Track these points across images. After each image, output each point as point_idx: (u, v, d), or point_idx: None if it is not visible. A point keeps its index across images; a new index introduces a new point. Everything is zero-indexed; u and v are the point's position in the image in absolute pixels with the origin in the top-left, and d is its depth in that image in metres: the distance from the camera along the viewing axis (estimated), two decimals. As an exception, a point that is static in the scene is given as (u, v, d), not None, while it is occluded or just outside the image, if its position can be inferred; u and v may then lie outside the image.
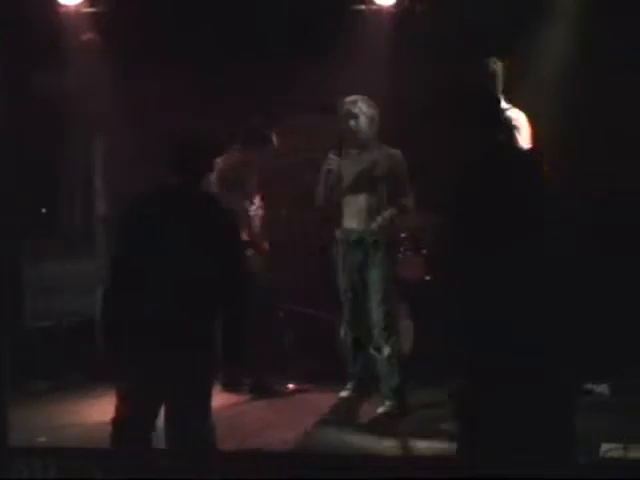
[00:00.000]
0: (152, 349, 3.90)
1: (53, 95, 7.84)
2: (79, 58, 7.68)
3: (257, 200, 6.94)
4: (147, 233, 4.00)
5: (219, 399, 6.38)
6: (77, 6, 7.69)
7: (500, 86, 5.68)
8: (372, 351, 6.05)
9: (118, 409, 4.01)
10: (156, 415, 4.04)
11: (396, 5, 7.59)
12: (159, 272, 3.93)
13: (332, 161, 6.04)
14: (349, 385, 6.29)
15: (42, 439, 5.45)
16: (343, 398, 6.25)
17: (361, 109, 6.08)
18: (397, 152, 6.15)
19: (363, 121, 6.07)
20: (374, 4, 7.61)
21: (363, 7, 7.65)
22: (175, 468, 3.99)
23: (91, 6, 7.74)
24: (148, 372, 3.92)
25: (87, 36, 7.75)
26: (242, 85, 7.81)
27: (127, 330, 3.94)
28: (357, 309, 6.12)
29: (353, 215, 6.10)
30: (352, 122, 6.07)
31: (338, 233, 6.19)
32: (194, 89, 7.75)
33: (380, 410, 5.96)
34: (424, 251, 7.33)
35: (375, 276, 6.00)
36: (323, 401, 6.36)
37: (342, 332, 6.33)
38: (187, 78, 7.80)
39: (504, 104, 5.64)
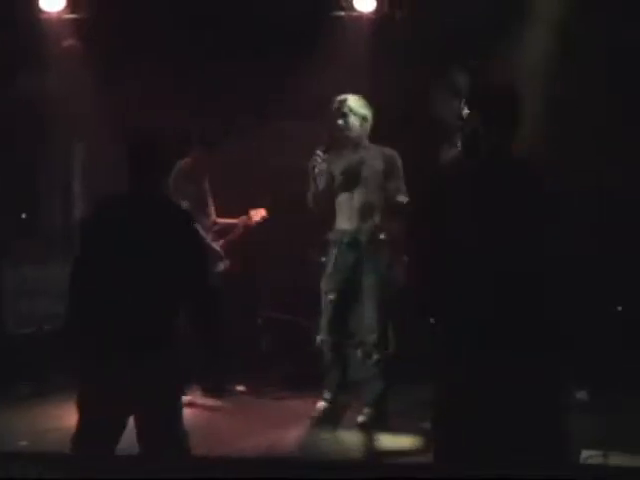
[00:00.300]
0: (114, 356, 3.77)
1: (34, 99, 7.83)
2: (60, 63, 7.69)
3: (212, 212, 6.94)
4: (104, 239, 3.90)
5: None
6: (59, 12, 7.70)
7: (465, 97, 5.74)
8: (360, 355, 5.91)
9: (80, 422, 3.86)
10: (122, 427, 3.87)
11: (376, 11, 7.64)
12: (117, 278, 3.83)
13: (318, 158, 5.94)
14: (326, 395, 6.05)
15: (24, 443, 5.46)
16: (319, 410, 6.03)
17: (351, 107, 5.99)
18: (391, 151, 6.04)
19: (353, 120, 5.99)
20: (354, 10, 7.66)
21: (343, 13, 7.70)
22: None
23: (72, 12, 7.75)
24: (111, 381, 3.77)
25: (69, 42, 7.75)
26: (222, 90, 7.84)
27: (88, 338, 3.85)
28: (342, 312, 5.96)
29: (346, 216, 5.97)
30: (341, 120, 5.99)
31: (331, 234, 6.06)
32: (174, 93, 7.77)
33: (359, 419, 5.86)
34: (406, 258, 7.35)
35: (370, 280, 5.88)
36: (300, 407, 6.33)
37: (318, 338, 6.07)
38: (167, 83, 7.82)
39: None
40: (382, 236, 5.93)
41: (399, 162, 6.01)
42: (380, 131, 7.81)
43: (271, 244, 7.79)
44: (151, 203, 3.97)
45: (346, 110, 5.98)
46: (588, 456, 4.80)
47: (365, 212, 5.93)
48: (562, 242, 3.09)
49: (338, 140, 6.06)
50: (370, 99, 7.51)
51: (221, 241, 6.94)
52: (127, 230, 3.87)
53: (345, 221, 5.99)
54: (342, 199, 6.00)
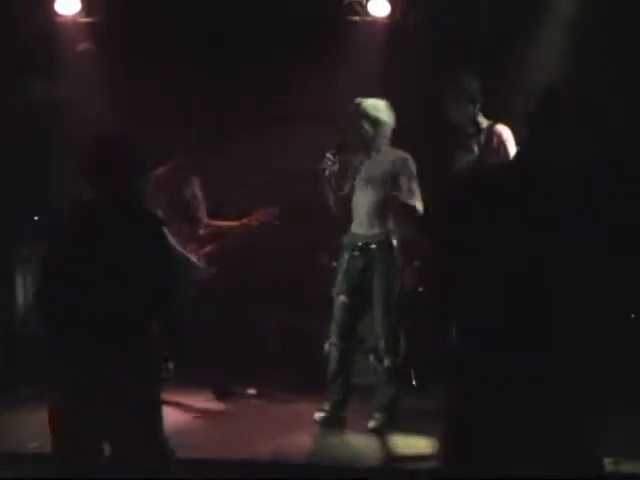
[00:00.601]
0: (82, 364, 3.68)
1: (49, 101, 7.86)
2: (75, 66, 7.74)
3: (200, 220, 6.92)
4: (70, 244, 3.81)
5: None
6: (74, 16, 7.74)
7: (479, 103, 5.76)
8: (372, 359, 5.90)
9: (55, 436, 3.74)
10: (99, 440, 3.74)
11: (390, 16, 7.65)
12: (84, 284, 3.72)
13: (328, 161, 5.92)
14: (325, 406, 5.94)
15: (35, 445, 5.46)
16: (318, 420, 5.92)
17: (366, 111, 5.92)
18: (404, 154, 5.97)
19: (367, 123, 5.92)
20: (368, 15, 7.67)
21: (357, 18, 7.71)
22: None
23: (88, 16, 7.79)
24: (82, 391, 3.68)
25: (84, 45, 7.80)
26: (238, 94, 7.87)
27: (60, 348, 3.76)
28: (352, 317, 5.93)
29: (358, 220, 5.95)
30: (355, 124, 5.94)
31: (345, 238, 6.04)
32: (188, 96, 7.81)
33: (370, 424, 5.82)
34: (416, 262, 7.34)
35: (380, 285, 5.83)
36: (309, 411, 6.23)
37: (327, 343, 6.01)
38: (182, 85, 7.86)
39: (482, 120, 5.76)
40: (394, 241, 5.89)
41: (412, 165, 5.93)
42: (393, 135, 7.87)
43: (283, 247, 7.79)
44: (118, 207, 3.85)
45: (361, 113, 5.93)
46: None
47: (377, 216, 5.89)
48: (589, 245, 3.04)
49: (353, 143, 6.02)
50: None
51: (208, 247, 6.92)
52: (93, 234, 3.78)
53: (357, 225, 5.97)
54: (356, 203, 5.98)
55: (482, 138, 5.71)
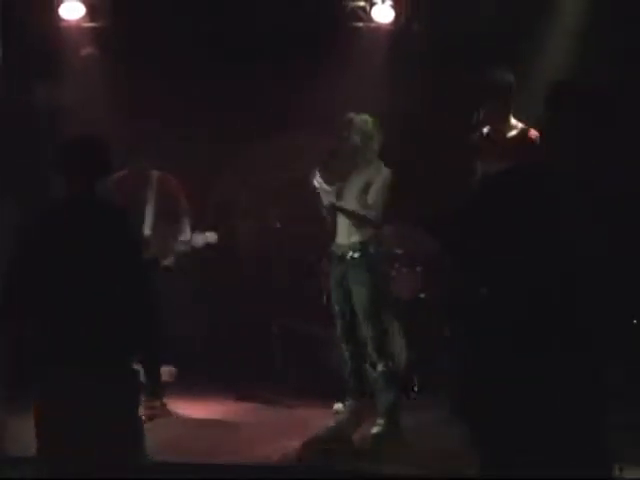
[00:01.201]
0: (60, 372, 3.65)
1: (53, 106, 7.87)
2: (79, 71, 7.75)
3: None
4: (38, 245, 3.77)
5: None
6: (78, 20, 7.75)
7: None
8: (368, 367, 5.99)
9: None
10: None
11: (393, 23, 7.66)
12: (54, 286, 3.68)
13: (316, 176, 6.07)
14: (336, 406, 6.21)
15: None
16: (336, 414, 6.16)
17: (355, 126, 6.05)
18: (387, 170, 6.09)
19: (356, 138, 6.04)
20: (372, 21, 7.68)
21: (361, 24, 7.73)
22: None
23: (92, 21, 7.81)
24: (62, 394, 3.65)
25: (87, 50, 7.81)
26: (240, 99, 7.88)
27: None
28: (346, 324, 6.08)
29: (340, 230, 6.11)
30: (344, 138, 6.05)
31: (332, 247, 6.19)
32: (193, 100, 7.83)
33: (373, 430, 5.87)
34: (419, 268, 7.35)
35: (358, 293, 5.95)
36: (313, 416, 6.33)
37: (343, 347, 6.18)
38: (186, 89, 7.88)
39: (514, 121, 5.68)
40: (372, 250, 6.01)
41: (389, 180, 6.06)
42: (396, 141, 7.87)
43: (287, 254, 7.81)
44: (84, 206, 3.86)
45: (350, 128, 6.06)
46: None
47: (356, 226, 6.04)
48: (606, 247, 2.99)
49: (341, 157, 6.15)
50: (387, 109, 7.55)
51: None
52: (61, 233, 3.77)
53: (339, 235, 6.13)
54: (339, 214, 6.13)
55: (514, 143, 5.56)
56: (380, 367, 5.91)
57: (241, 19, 7.63)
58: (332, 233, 6.17)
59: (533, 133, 5.49)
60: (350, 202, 6.04)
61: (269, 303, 7.21)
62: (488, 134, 5.65)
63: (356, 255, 5.98)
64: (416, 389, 7.11)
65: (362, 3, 7.68)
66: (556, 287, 2.87)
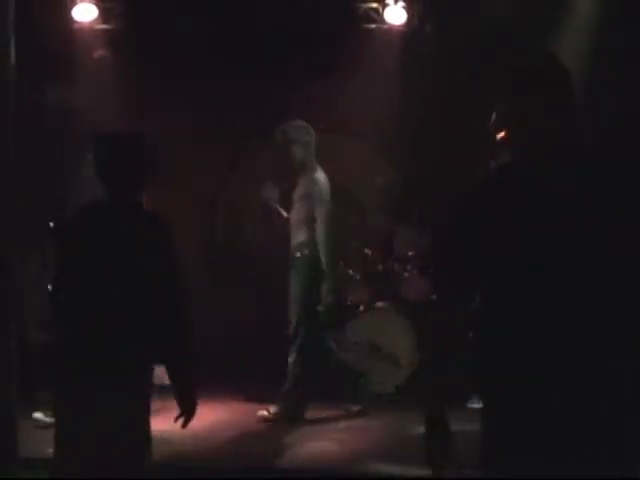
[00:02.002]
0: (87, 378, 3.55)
1: (65, 107, 7.88)
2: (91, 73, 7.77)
3: None
4: (80, 254, 3.64)
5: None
6: (91, 22, 7.78)
7: None
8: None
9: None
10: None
11: (406, 24, 7.66)
12: (91, 295, 3.57)
13: (266, 188, 6.42)
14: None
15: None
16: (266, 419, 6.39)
17: (292, 137, 6.29)
18: (324, 176, 6.35)
19: (295, 148, 6.30)
20: (385, 23, 7.69)
21: (374, 26, 7.73)
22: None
23: (104, 23, 7.83)
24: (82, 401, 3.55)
25: (100, 52, 7.83)
26: (253, 100, 7.89)
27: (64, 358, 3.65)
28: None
29: (292, 233, 6.42)
30: (284, 150, 6.31)
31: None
32: (205, 101, 7.84)
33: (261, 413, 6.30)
34: (431, 270, 7.33)
35: (294, 293, 6.34)
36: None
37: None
38: (198, 91, 7.89)
39: None
40: (299, 255, 6.31)
41: (324, 187, 6.32)
42: (407, 142, 7.88)
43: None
44: (122, 213, 3.69)
45: (288, 140, 6.29)
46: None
47: (296, 231, 6.37)
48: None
49: (284, 168, 6.41)
50: (399, 110, 7.57)
51: None
52: (99, 243, 3.61)
53: (291, 238, 6.44)
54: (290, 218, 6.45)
55: None
56: (291, 359, 6.30)
57: (254, 21, 7.63)
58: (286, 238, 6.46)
59: None
60: (299, 210, 6.32)
61: (280, 304, 7.17)
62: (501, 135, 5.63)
63: (297, 258, 6.34)
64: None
65: (375, 5, 7.69)
66: (568, 287, 2.83)
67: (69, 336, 3.63)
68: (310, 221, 6.27)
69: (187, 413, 3.65)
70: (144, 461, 3.62)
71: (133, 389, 3.58)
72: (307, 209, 6.28)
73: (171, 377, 3.65)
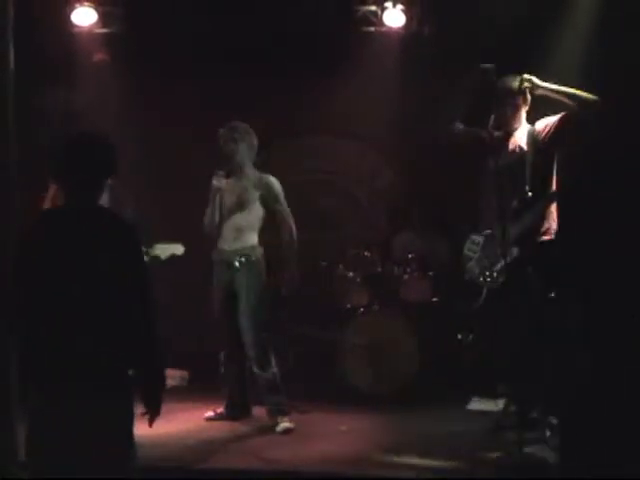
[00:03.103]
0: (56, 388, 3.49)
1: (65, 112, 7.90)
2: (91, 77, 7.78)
3: None
4: (41, 261, 3.54)
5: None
6: (90, 26, 7.79)
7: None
8: (254, 369, 6.20)
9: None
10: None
11: (405, 27, 7.67)
12: (55, 301, 3.50)
13: (220, 177, 6.22)
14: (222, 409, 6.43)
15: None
16: (210, 418, 6.40)
17: (241, 135, 6.26)
18: (269, 178, 6.30)
19: (242, 146, 6.26)
20: (383, 25, 7.69)
21: (372, 29, 7.74)
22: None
23: (104, 27, 7.84)
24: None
25: (99, 56, 7.84)
26: (253, 103, 7.90)
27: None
28: (229, 328, 6.26)
29: (224, 237, 6.26)
30: (231, 147, 6.25)
31: (213, 254, 6.35)
32: (205, 103, 7.85)
33: (278, 429, 6.07)
34: (431, 272, 7.35)
35: (242, 299, 6.16)
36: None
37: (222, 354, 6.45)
38: (199, 93, 7.91)
39: (526, 124, 5.70)
40: (254, 257, 6.22)
41: (277, 187, 6.28)
42: (406, 144, 7.89)
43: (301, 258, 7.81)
44: (86, 217, 3.61)
45: (236, 137, 6.26)
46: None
47: (240, 234, 6.24)
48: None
49: (227, 165, 6.30)
50: (398, 112, 7.59)
51: None
52: (59, 246, 3.54)
53: (224, 241, 6.28)
54: (225, 221, 6.27)
55: (526, 139, 5.65)
56: (264, 372, 6.15)
57: (251, 26, 7.64)
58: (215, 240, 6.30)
59: (540, 125, 5.57)
60: (243, 212, 6.21)
61: (282, 307, 7.19)
62: (498, 135, 5.66)
63: (244, 262, 6.19)
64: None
65: (374, 7, 7.68)
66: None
67: (36, 338, 3.55)
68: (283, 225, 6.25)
69: (152, 413, 3.67)
70: (127, 465, 3.59)
71: (108, 393, 3.54)
72: (256, 210, 6.24)
73: (139, 379, 3.65)
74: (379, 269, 7.42)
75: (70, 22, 7.70)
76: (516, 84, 5.61)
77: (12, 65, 4.89)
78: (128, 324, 3.55)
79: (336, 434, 6.00)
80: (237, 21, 7.59)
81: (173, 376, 7.69)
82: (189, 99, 7.89)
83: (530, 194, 5.44)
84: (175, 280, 7.44)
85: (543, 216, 5.54)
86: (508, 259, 5.36)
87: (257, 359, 6.16)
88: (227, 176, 6.25)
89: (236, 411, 6.41)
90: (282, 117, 7.89)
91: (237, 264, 6.20)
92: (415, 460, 5.43)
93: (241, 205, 6.24)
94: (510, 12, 6.88)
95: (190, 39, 7.71)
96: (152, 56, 7.75)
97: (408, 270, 7.32)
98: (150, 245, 6.28)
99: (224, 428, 6.21)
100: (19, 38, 4.92)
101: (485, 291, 5.57)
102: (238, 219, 6.24)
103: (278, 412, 6.17)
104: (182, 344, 7.69)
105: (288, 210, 6.28)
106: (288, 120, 7.98)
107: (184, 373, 7.81)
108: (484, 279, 5.57)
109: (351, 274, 7.38)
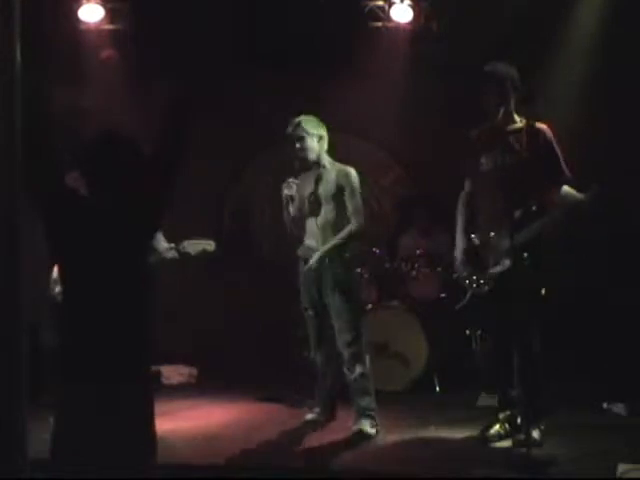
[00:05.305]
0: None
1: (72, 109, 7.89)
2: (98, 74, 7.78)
3: None
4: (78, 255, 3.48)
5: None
6: (97, 23, 7.78)
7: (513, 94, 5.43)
8: (345, 370, 5.90)
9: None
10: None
11: (412, 22, 7.66)
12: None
13: (291, 185, 5.96)
14: (316, 408, 6.14)
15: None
16: (308, 421, 6.09)
17: (306, 129, 5.94)
18: (347, 169, 5.99)
19: (310, 141, 5.95)
20: (391, 21, 7.68)
21: (380, 24, 7.72)
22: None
23: (111, 23, 7.83)
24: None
25: (107, 52, 7.84)
26: (260, 101, 7.90)
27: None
28: (319, 329, 6.02)
29: (311, 234, 5.99)
30: (298, 144, 5.96)
31: (299, 250, 6.07)
32: (212, 102, 7.84)
33: (354, 428, 5.81)
34: (439, 269, 7.33)
35: (334, 297, 5.87)
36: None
37: (312, 351, 6.15)
38: (205, 92, 7.88)
39: (517, 117, 5.58)
40: (347, 254, 5.93)
41: (353, 180, 5.96)
42: (414, 141, 7.88)
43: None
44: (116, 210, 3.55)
45: (302, 133, 5.95)
46: (625, 470, 4.73)
47: (326, 230, 5.94)
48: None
49: (299, 163, 6.05)
50: (405, 109, 7.57)
51: None
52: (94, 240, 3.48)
53: (310, 238, 6.00)
54: (309, 218, 6.01)
55: (524, 137, 5.37)
56: (357, 372, 5.86)
57: (259, 22, 7.64)
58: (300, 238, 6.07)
59: (541, 127, 5.35)
60: (327, 207, 5.92)
61: (292, 305, 7.17)
62: (488, 127, 5.55)
63: (333, 259, 5.88)
64: (437, 389, 7.11)
65: (381, 3, 7.69)
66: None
67: (68, 337, 3.55)
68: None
69: None
70: (148, 462, 3.56)
71: (131, 389, 3.51)
72: (341, 204, 5.92)
73: None
74: (387, 266, 7.41)
75: (77, 19, 7.71)
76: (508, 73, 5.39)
77: (19, 60, 4.88)
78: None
79: (343, 431, 5.99)
80: (244, 18, 7.58)
81: (182, 373, 7.69)
82: (197, 97, 7.86)
83: (534, 208, 5.25)
84: (182, 280, 7.45)
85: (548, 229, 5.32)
86: (499, 268, 5.33)
87: (350, 359, 5.87)
88: (298, 174, 6.00)
89: (328, 412, 6.14)
90: (288, 114, 7.87)
91: (326, 261, 5.89)
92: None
93: (322, 201, 5.94)
94: (518, 8, 6.87)
95: (197, 36, 7.69)
96: (159, 52, 7.73)
97: (416, 266, 7.32)
98: (179, 242, 6.19)
99: (235, 425, 6.21)
100: (26, 35, 4.91)
101: (469, 294, 5.52)
102: (321, 215, 5.94)
103: (364, 416, 5.86)
104: (190, 341, 7.70)
105: (358, 209, 5.94)
106: (294, 116, 7.94)
107: (193, 370, 7.81)
108: (470, 283, 5.51)
109: (359, 271, 7.36)
